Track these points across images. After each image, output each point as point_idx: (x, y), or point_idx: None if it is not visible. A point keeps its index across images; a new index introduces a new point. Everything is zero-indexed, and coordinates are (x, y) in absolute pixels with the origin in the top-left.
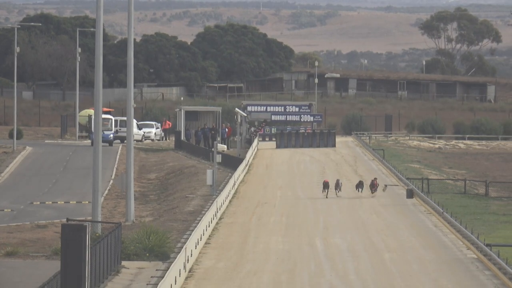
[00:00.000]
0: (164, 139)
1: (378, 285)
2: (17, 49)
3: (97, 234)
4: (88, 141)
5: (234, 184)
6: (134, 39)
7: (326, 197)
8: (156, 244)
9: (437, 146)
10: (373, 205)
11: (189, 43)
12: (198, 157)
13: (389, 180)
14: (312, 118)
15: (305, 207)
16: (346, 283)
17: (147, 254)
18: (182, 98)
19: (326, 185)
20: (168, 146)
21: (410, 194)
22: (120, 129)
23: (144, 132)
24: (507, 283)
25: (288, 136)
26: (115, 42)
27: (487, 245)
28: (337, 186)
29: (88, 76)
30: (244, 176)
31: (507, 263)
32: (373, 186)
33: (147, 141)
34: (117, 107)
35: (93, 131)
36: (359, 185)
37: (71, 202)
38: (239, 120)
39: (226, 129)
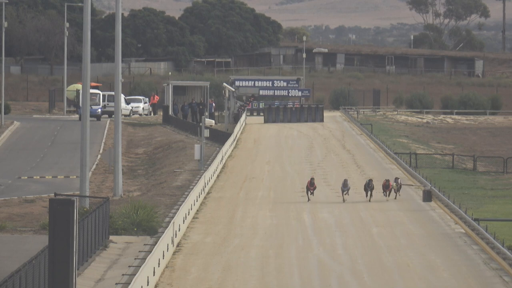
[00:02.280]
0: (152, 113)
1: (365, 260)
2: (5, 24)
3: (85, 209)
4: (76, 116)
5: (222, 159)
6: (122, 14)
7: (309, 199)
8: (144, 219)
9: (425, 120)
10: (360, 180)
11: (176, 18)
12: (186, 132)
13: (393, 172)
14: (300, 93)
15: (293, 182)
16: (334, 258)
17: (135, 229)
18: (170, 73)
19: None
20: (156, 121)
21: (428, 196)
22: (108, 104)
23: (132, 107)
24: (494, 258)
25: (276, 111)
26: (103, 17)
27: (475, 220)
28: (345, 187)
29: (76, 50)
30: (232, 150)
31: (495, 238)
32: (387, 188)
33: (135, 115)
34: (105, 81)
35: (81, 105)
36: (368, 185)
37: (59, 176)
38: (227, 95)
39: (213, 104)
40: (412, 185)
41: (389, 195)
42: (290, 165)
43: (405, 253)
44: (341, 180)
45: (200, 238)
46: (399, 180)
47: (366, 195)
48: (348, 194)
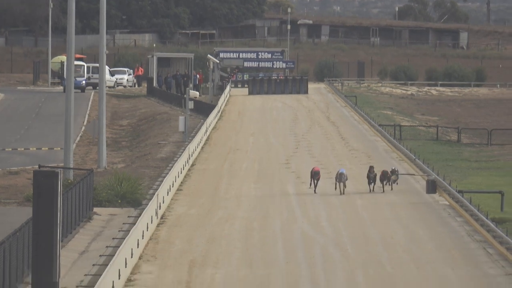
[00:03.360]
0: (136, 85)
1: (349, 232)
2: None
3: (69, 181)
4: (61, 88)
5: (206, 131)
6: None
7: (315, 192)
8: (128, 191)
9: (409, 92)
10: (344, 152)
11: None
12: (170, 104)
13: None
14: (284, 65)
15: (277, 154)
16: (318, 230)
17: (119, 201)
18: (154, 45)
19: (315, 175)
20: (140, 93)
21: (433, 187)
22: (92, 76)
23: (117, 79)
24: (478, 229)
25: (261, 83)
26: None
27: (459, 192)
28: (340, 180)
29: (60, 22)
30: (216, 122)
31: (479, 210)
32: (385, 178)
33: (120, 87)
34: (90, 53)
35: (65, 77)
36: (371, 174)
37: (43, 148)
38: (211, 67)
39: (198, 76)
40: (414, 174)
41: (387, 185)
42: (275, 137)
43: (389, 225)
44: (325, 152)
45: (184, 210)
46: (396, 170)
47: (369, 185)
48: (345, 187)
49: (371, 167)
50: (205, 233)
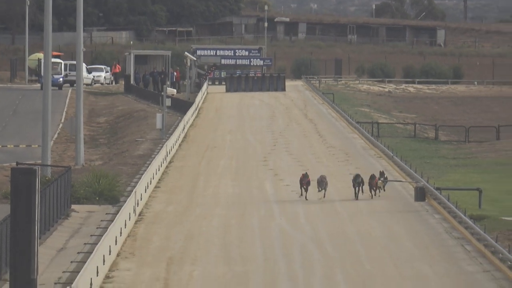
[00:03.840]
0: (113, 83)
1: (327, 229)
2: None
3: (47, 178)
4: (38, 85)
5: (184, 128)
6: None
7: (306, 199)
8: (106, 188)
9: (387, 90)
10: (322, 149)
11: None
12: (148, 101)
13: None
14: (262, 62)
15: (254, 151)
16: (296, 227)
17: (97, 198)
18: (131, 42)
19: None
20: (118, 90)
21: (421, 194)
22: (69, 73)
23: (94, 76)
24: (456, 227)
25: (238, 80)
26: None
27: (436, 189)
28: (321, 184)
29: (37, 20)
30: (194, 120)
31: (457, 207)
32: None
33: (97, 85)
34: (67, 51)
35: (42, 75)
36: (357, 180)
37: (20, 145)
38: (188, 64)
39: (175, 73)
40: (401, 181)
41: (375, 193)
42: (252, 134)
43: (367, 222)
44: (303, 149)
45: (162, 207)
46: (385, 174)
47: (355, 193)
48: (325, 190)
49: (358, 175)
50: (183, 230)
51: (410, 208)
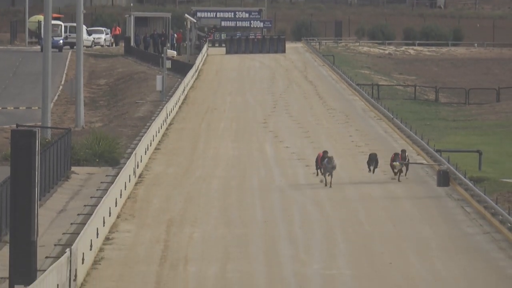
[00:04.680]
0: (113, 45)
1: (327, 190)
2: None
3: (47, 140)
4: (38, 47)
5: (184, 90)
6: None
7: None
8: (105, 150)
9: (387, 52)
10: (322, 111)
11: None
12: (148, 63)
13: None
14: (262, 24)
15: (254, 113)
16: (296, 188)
17: (97, 160)
18: (132, 4)
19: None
20: (118, 52)
21: (445, 179)
22: (69, 35)
23: (94, 38)
24: (456, 188)
25: (238, 42)
26: None
27: (437, 151)
28: (328, 165)
29: None
30: (194, 82)
31: (457, 168)
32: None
33: (97, 47)
34: (67, 13)
35: (42, 37)
36: (372, 160)
37: (20, 107)
38: (188, 26)
39: (175, 35)
40: (423, 163)
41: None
42: (252, 96)
43: (367, 182)
44: (303, 111)
45: (162, 169)
46: (406, 153)
47: (369, 169)
48: (331, 176)
49: (374, 155)
50: (183, 192)
51: (409, 170)
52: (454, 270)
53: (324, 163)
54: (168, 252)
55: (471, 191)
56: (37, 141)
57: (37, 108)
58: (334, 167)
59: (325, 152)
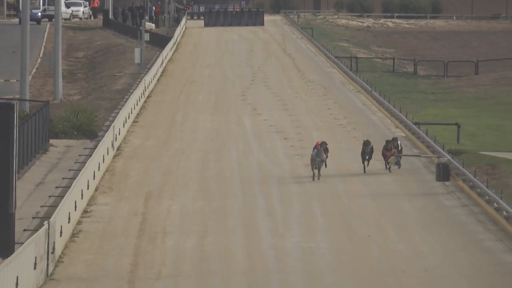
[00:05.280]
0: (92, 17)
1: (305, 162)
2: None
3: (25, 113)
4: (16, 20)
5: (162, 63)
6: None
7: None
8: (84, 123)
9: (365, 24)
10: (300, 84)
11: None
12: (126, 36)
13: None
14: None
15: (233, 86)
16: (274, 160)
17: (75, 133)
18: None
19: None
20: (96, 25)
21: (445, 173)
22: (48, 8)
23: (72, 11)
24: (435, 161)
25: (217, 15)
26: None
27: (415, 124)
28: (318, 158)
29: None
30: (172, 54)
31: (435, 141)
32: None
33: (75, 19)
34: None
35: (21, 9)
36: (366, 153)
37: None
38: None
39: (154, 8)
40: (419, 155)
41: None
42: (231, 69)
43: (346, 156)
44: (281, 84)
45: (140, 142)
46: (398, 141)
47: (363, 162)
48: (319, 169)
49: (368, 142)
50: (161, 165)
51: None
52: (432, 243)
53: (312, 155)
54: (146, 225)
55: (449, 164)
56: (15, 113)
57: (15, 80)
58: (323, 161)
59: (323, 143)
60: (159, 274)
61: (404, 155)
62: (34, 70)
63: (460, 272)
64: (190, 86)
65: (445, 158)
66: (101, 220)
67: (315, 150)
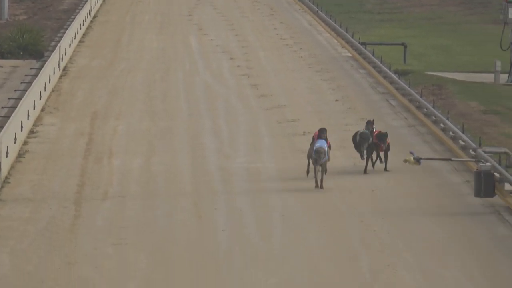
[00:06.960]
0: None
1: (251, 82)
2: None
3: None
4: None
5: None
6: None
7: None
8: (30, 43)
9: None
10: (247, 4)
11: None
12: None
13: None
14: None
15: (179, 6)
16: (221, 82)
17: (21, 53)
18: None
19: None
20: None
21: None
22: None
23: None
24: (381, 81)
25: None
26: None
27: (361, 44)
28: (319, 158)
29: None
30: None
31: (382, 61)
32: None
33: None
34: None
35: None
36: (363, 145)
37: None
38: None
39: None
40: (450, 159)
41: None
42: None
43: (292, 76)
44: (227, 4)
45: (86, 62)
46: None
47: (362, 155)
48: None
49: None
50: (108, 85)
51: (336, 65)
52: (376, 163)
53: (313, 156)
54: (92, 145)
55: (396, 84)
56: None
57: None
58: (326, 160)
59: (321, 131)
60: (106, 195)
61: (431, 159)
62: None
63: (409, 192)
64: (136, 5)
65: (488, 164)
66: (47, 140)
67: (317, 144)
